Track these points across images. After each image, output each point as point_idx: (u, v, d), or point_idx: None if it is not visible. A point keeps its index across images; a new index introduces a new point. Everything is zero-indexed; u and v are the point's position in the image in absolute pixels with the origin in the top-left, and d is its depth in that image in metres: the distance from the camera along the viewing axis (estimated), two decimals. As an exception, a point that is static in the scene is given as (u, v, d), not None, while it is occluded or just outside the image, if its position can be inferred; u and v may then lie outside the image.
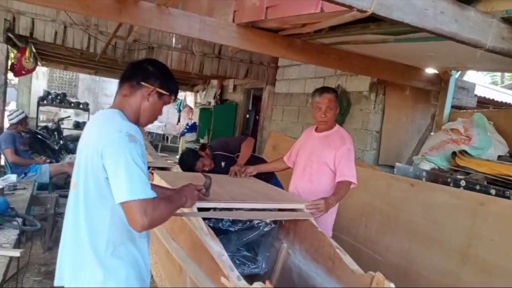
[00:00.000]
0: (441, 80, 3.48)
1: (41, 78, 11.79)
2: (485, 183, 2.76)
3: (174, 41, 5.28)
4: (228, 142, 3.49)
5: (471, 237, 2.58)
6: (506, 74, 11.44)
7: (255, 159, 3.42)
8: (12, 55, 5.12)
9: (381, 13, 1.19)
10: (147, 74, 1.46)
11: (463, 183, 2.80)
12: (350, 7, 1.16)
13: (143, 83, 1.43)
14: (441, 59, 2.88)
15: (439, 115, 3.59)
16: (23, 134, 5.06)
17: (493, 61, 2.25)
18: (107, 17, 2.72)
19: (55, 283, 1.41)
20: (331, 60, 3.08)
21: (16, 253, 2.02)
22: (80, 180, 1.35)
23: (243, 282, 1.49)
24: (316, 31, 2.56)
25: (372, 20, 2.16)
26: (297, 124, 5.44)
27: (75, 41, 4.75)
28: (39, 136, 6.62)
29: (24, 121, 4.56)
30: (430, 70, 3.51)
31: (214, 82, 8.02)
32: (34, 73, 9.39)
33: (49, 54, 6.93)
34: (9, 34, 4.45)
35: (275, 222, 2.34)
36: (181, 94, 12.13)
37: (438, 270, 2.73)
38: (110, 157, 1.26)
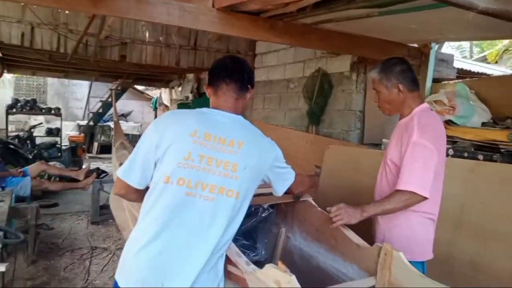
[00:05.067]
0: (422, 53, 3.52)
1: (8, 87, 11.30)
2: (473, 149, 2.83)
3: (147, 34, 5.12)
4: None
5: (463, 203, 2.63)
6: (474, 48, 11.79)
7: None
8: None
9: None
10: (251, 77, 1.60)
11: (451, 152, 2.85)
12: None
13: (249, 86, 1.57)
14: (423, 31, 2.91)
15: (421, 89, 3.64)
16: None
17: (476, 28, 2.29)
18: (82, 9, 2.60)
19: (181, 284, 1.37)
20: (313, 41, 3.06)
21: (2, 267, 1.92)
22: (243, 189, 1.44)
23: (252, 267, 1.45)
24: (300, 10, 2.52)
25: (358, -7, 2.15)
26: (278, 111, 5.42)
27: (44, 42, 4.54)
28: (11, 146, 6.33)
29: None
30: (411, 44, 3.54)
31: (190, 76, 7.88)
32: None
33: (16, 59, 6.60)
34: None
35: (272, 206, 2.30)
36: (155, 92, 11.89)
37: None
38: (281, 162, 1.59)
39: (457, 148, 2.88)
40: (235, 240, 2.28)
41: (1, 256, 3.54)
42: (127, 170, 1.44)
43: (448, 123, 3.10)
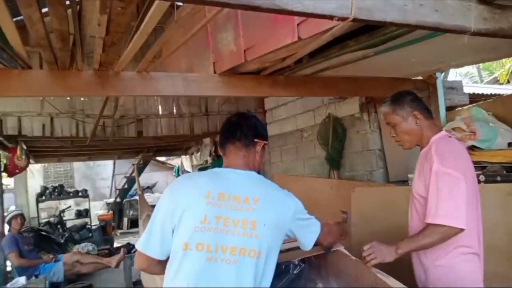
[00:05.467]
0: (428, 85, 3.50)
1: (37, 176, 11.79)
2: (505, 172, 2.67)
3: (160, 108, 5.35)
4: None
5: (509, 231, 2.42)
6: (483, 72, 11.71)
7: None
8: (3, 156, 5.12)
9: (362, 17, 1.18)
10: (255, 130, 1.57)
11: (482, 178, 2.70)
12: (331, 17, 1.15)
13: (256, 140, 1.54)
14: (424, 63, 2.91)
15: (436, 119, 3.57)
16: (25, 234, 4.92)
17: (475, 51, 2.27)
18: (91, 93, 2.74)
19: None
20: (317, 89, 3.09)
21: None
22: (264, 248, 1.38)
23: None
24: (297, 62, 2.59)
25: (350, 38, 2.19)
26: (297, 161, 5.38)
27: (64, 129, 4.79)
28: (43, 233, 6.46)
29: (16, 218, 4.46)
30: (416, 78, 3.54)
31: (207, 140, 8.04)
32: (28, 172, 9.39)
33: (41, 149, 6.95)
34: (-2, 137, 4.48)
35: (303, 261, 2.19)
36: (176, 161, 12.14)
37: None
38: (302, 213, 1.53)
39: (488, 173, 2.73)
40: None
41: None
42: (146, 242, 1.41)
43: (472, 148, 2.98)
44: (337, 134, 4.50)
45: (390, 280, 1.68)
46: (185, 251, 1.34)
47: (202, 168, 8.11)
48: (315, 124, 4.91)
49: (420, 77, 3.56)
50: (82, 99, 4.77)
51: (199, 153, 8.88)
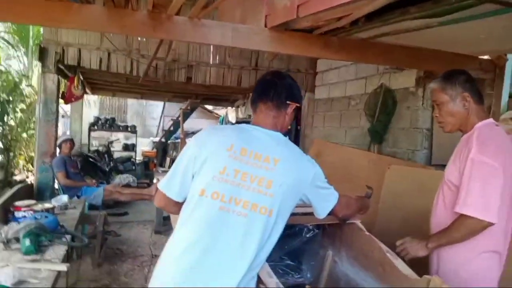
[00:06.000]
0: (495, 66, 3.18)
1: (93, 107, 12.55)
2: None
3: (211, 57, 5.38)
4: None
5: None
6: None
7: None
8: (62, 84, 5.48)
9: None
10: (290, 91, 1.55)
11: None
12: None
13: (288, 102, 1.53)
14: (494, 40, 2.63)
15: (495, 105, 3.28)
16: (74, 158, 5.34)
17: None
18: (143, 34, 2.80)
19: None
20: (372, 55, 2.92)
21: (63, 267, 2.08)
22: (276, 208, 1.39)
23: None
24: (353, 24, 2.44)
25: (412, 3, 2.01)
26: (339, 129, 5.26)
27: (119, 66, 4.98)
28: (91, 159, 6.97)
29: (66, 142, 4.82)
30: (482, 56, 3.23)
31: (254, 95, 8.04)
32: (86, 102, 10.02)
33: (97, 82, 7.34)
34: (60, 66, 4.76)
35: (318, 227, 2.20)
36: (223, 111, 12.33)
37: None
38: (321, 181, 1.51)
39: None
40: (280, 259, 2.24)
41: (67, 257, 3.90)
42: (167, 182, 1.48)
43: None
44: (386, 106, 4.30)
45: (398, 262, 1.65)
46: (200, 196, 1.39)
47: (244, 122, 8.19)
48: (364, 93, 4.72)
49: (487, 57, 3.24)
50: (139, 39, 4.89)
51: (244, 106, 8.93)
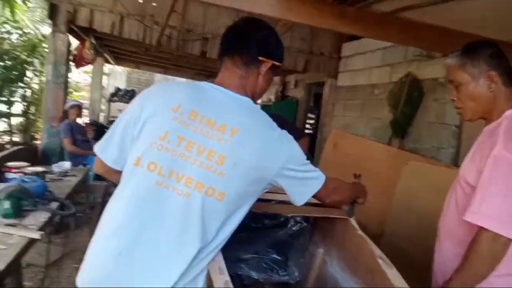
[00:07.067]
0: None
1: (118, 78, 12.60)
2: None
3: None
4: (283, 125, 3.21)
5: None
6: None
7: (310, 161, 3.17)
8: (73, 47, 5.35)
9: None
10: (265, 45, 1.22)
11: None
12: None
13: (261, 58, 1.21)
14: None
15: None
16: (84, 125, 5.24)
17: None
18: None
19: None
20: (393, 32, 2.53)
21: (36, 235, 1.89)
22: (230, 192, 1.11)
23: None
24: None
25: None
26: (360, 119, 4.87)
27: (132, 32, 4.77)
28: (105, 129, 6.90)
29: (73, 108, 4.68)
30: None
31: (276, 78, 7.71)
32: (113, 73, 10.02)
33: (119, 51, 7.23)
34: (72, 26, 4.61)
35: (306, 220, 1.91)
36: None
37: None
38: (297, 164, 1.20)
39: None
40: (265, 253, 1.97)
41: (65, 226, 3.85)
42: (103, 146, 1.20)
43: None
44: (411, 97, 3.88)
45: (391, 271, 1.34)
46: (135, 166, 1.11)
47: (262, 107, 7.89)
48: (390, 82, 4.30)
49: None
50: (153, 4, 4.66)
51: (268, 90, 8.62)
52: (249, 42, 1.21)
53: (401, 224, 2.99)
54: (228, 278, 1.18)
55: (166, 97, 1.15)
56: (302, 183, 1.23)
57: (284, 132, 1.21)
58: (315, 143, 5.83)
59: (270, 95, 7.83)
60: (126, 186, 1.13)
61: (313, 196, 1.27)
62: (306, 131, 7.09)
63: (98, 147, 1.22)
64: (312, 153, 5.66)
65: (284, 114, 6.40)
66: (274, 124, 1.20)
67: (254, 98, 1.27)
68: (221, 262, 1.24)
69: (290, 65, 5.37)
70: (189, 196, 1.07)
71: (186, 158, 1.09)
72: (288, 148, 1.17)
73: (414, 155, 3.63)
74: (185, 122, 1.11)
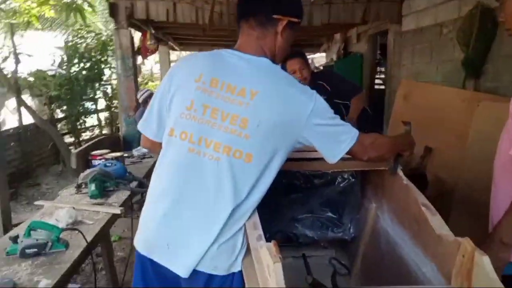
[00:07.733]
0: None
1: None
2: None
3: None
4: (339, 82, 3.12)
5: None
6: None
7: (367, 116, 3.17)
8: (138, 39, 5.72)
9: None
10: (278, 2, 1.24)
11: None
12: None
13: (275, 16, 1.22)
14: None
15: None
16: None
17: None
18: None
19: None
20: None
21: (117, 210, 2.18)
22: (256, 152, 1.17)
23: (261, 243, 1.15)
24: None
25: None
26: (429, 65, 4.46)
27: (185, 16, 4.92)
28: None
29: (148, 99, 5.04)
30: None
31: (337, 36, 7.35)
32: (179, 59, 10.49)
33: (181, 37, 7.52)
34: (132, 20, 4.93)
35: (353, 176, 1.89)
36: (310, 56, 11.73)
37: None
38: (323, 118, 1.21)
39: None
40: (319, 212, 2.01)
41: (131, 201, 4.26)
42: (144, 121, 1.34)
43: None
44: (485, 30, 3.43)
45: (434, 218, 1.28)
46: (170, 137, 1.23)
47: (326, 67, 7.63)
48: (458, 17, 3.84)
49: None
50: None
51: (329, 50, 8.29)
52: (262, 2, 1.22)
53: (476, 174, 2.74)
54: (261, 232, 1.25)
55: (188, 69, 1.23)
56: (333, 139, 1.22)
57: (306, 87, 1.21)
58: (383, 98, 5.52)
59: (332, 55, 7.53)
60: (165, 155, 1.25)
61: (349, 154, 1.26)
62: (376, 86, 6.72)
63: (140, 124, 1.36)
64: (380, 108, 5.38)
65: (347, 72, 6.16)
66: (294, 81, 1.22)
67: (275, 59, 1.29)
68: (256, 218, 1.30)
69: (347, 18, 5.08)
70: (219, 160, 1.15)
71: (212, 125, 1.16)
72: (309, 101, 1.17)
73: (490, 95, 3.26)
74: (207, 90, 1.17)
